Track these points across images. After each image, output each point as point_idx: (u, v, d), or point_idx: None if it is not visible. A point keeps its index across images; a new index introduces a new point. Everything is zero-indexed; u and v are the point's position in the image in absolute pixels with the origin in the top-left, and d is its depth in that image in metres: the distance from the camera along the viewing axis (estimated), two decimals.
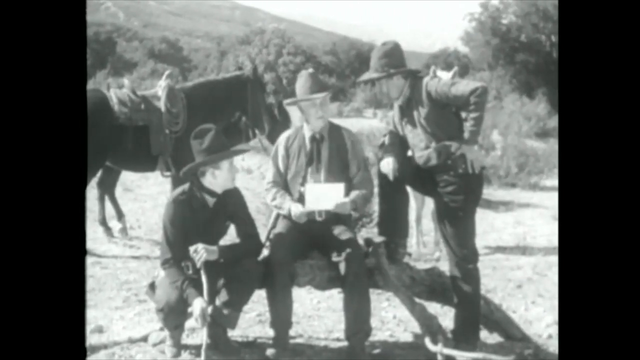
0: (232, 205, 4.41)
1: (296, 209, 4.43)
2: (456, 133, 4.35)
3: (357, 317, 4.34)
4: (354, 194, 4.47)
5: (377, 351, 4.55)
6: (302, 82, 4.54)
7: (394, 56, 4.43)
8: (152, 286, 4.46)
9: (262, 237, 4.55)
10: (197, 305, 4.05)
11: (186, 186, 4.35)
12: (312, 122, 4.55)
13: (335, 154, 4.55)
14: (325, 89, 4.56)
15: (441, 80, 4.38)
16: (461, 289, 4.44)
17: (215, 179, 4.28)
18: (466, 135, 4.28)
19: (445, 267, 4.77)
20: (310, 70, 4.68)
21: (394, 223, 4.64)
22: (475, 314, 4.49)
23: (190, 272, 4.24)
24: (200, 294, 4.10)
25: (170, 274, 4.22)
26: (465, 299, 4.45)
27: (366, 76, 4.53)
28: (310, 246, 4.57)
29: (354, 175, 4.57)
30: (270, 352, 4.30)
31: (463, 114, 4.34)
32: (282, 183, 4.64)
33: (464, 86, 4.23)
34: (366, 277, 4.42)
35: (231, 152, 4.34)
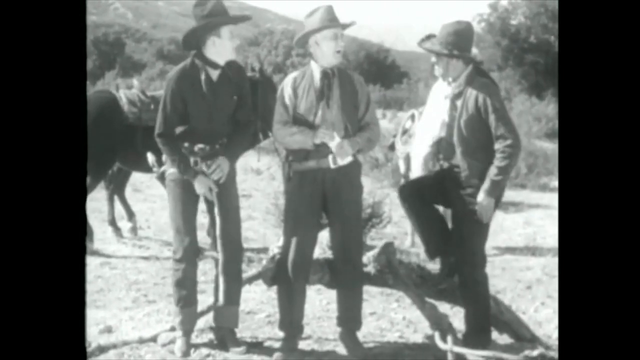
0: (237, 80, 4.42)
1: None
2: (484, 150, 4.21)
3: (347, 312, 4.44)
4: (356, 136, 4.34)
5: (386, 352, 4.55)
6: (320, 15, 4.31)
7: (463, 38, 4.28)
8: (162, 176, 4.66)
9: (270, 239, 4.56)
10: (201, 184, 4.22)
11: (187, 61, 4.33)
12: (328, 56, 4.33)
13: (347, 91, 4.38)
14: (344, 27, 4.38)
15: (494, 96, 4.19)
16: (470, 295, 4.40)
17: (216, 48, 4.25)
18: (486, 185, 4.14)
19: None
20: (328, 4, 4.42)
21: (441, 238, 4.53)
22: (485, 318, 4.45)
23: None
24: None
25: (166, 150, 4.31)
26: (475, 305, 4.41)
27: (429, 45, 4.35)
28: (320, 214, 4.49)
29: (362, 115, 4.43)
30: (279, 352, 4.30)
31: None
32: (296, 123, 4.42)
33: (504, 123, 4.12)
34: (361, 275, 4.48)
35: (232, 17, 4.33)
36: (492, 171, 4.13)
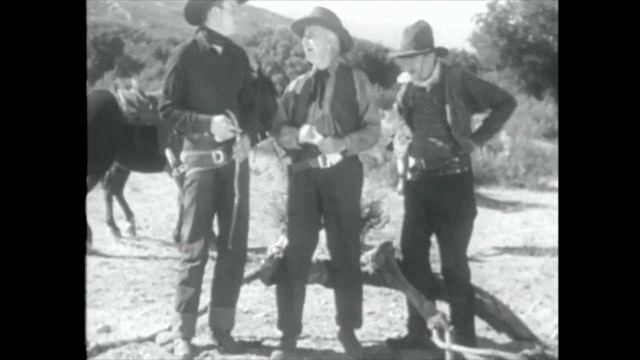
0: (240, 57, 4.43)
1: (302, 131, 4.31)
2: (466, 131, 4.40)
3: (347, 311, 4.45)
4: (345, 136, 4.30)
5: (385, 351, 4.55)
6: None
7: (428, 34, 4.40)
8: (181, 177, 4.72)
9: (268, 238, 4.56)
10: (218, 126, 4.15)
11: (190, 39, 4.34)
12: (305, 52, 4.42)
13: (341, 92, 4.35)
14: (314, 22, 4.34)
15: (476, 76, 4.56)
16: (457, 294, 4.45)
17: (217, 19, 4.25)
18: (485, 136, 4.55)
19: None
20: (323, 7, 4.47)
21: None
22: (470, 317, 4.47)
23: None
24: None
25: (174, 116, 4.21)
26: (460, 304, 4.44)
27: (402, 53, 4.42)
28: (317, 213, 4.46)
29: (363, 113, 4.39)
30: (277, 352, 4.30)
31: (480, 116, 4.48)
32: (291, 123, 4.46)
33: (501, 90, 4.53)
34: (359, 274, 4.51)
35: None
36: (495, 125, 4.54)
